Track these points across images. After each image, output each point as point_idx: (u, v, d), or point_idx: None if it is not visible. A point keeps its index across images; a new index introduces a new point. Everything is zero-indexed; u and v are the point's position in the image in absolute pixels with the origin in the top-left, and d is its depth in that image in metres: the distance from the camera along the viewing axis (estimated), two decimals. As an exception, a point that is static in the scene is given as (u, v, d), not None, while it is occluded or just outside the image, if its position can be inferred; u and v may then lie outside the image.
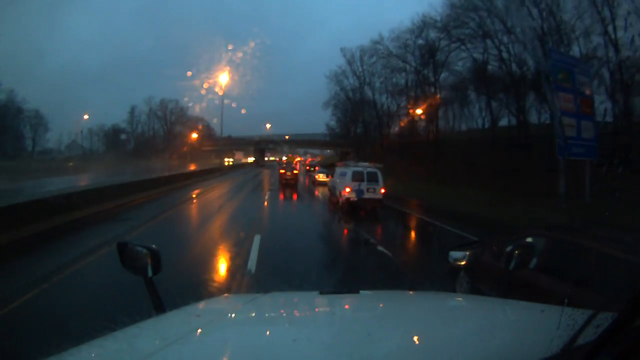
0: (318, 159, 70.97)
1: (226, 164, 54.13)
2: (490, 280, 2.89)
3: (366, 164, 13.91)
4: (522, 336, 1.07)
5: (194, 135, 59.67)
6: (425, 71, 34.51)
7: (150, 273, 1.41)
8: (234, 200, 16.34)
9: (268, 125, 62.36)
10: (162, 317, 1.30)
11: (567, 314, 0.91)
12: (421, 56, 34.00)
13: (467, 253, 1.79)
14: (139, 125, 64.77)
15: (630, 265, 2.21)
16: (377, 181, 12.64)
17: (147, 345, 0.99)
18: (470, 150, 24.11)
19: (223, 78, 33.31)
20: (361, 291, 1.63)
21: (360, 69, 44.30)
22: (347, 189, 12.42)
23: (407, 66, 37.07)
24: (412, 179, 23.19)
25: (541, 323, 1.07)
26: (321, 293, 1.54)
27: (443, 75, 33.22)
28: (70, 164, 43.04)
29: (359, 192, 12.36)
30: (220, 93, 48.09)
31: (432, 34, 31.98)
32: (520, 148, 20.14)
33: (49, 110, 53.64)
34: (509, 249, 1.57)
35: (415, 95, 36.96)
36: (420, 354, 0.98)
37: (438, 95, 33.73)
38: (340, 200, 13.01)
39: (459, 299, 1.62)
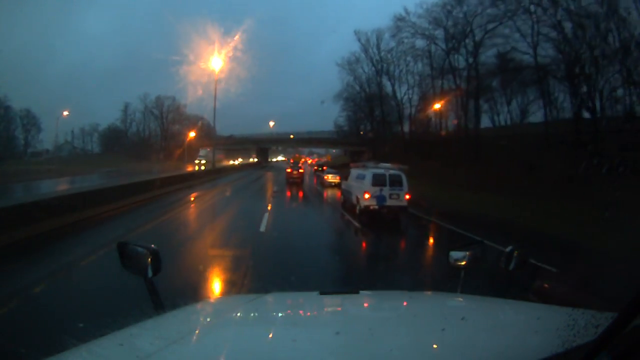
0: (326, 158, 68.29)
1: (197, 167, 41.48)
2: None
3: (388, 165, 12.27)
4: (522, 336, 1.07)
5: (192, 134, 55.39)
6: (456, 55, 29.33)
7: (150, 273, 1.41)
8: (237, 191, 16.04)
9: (271, 124, 57.40)
10: (162, 317, 1.30)
11: (567, 314, 0.91)
12: (452, 37, 28.67)
13: (467, 253, 1.78)
14: (134, 124, 61.29)
15: None
16: (401, 185, 10.89)
17: (147, 345, 0.99)
18: (523, 149, 19.30)
19: (216, 63, 29.35)
20: (361, 291, 1.63)
21: (377, 56, 38.73)
22: (366, 195, 10.70)
23: (435, 48, 31.74)
24: (442, 183, 19.36)
25: (541, 323, 1.07)
26: (321, 293, 1.54)
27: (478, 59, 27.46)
28: (51, 167, 36.74)
29: (380, 198, 10.68)
30: (219, 88, 45.14)
31: (467, 9, 26.80)
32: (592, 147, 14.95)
33: (42, 110, 51.66)
34: (508, 249, 1.58)
35: (443, 83, 31.59)
36: (420, 354, 0.98)
37: (470, 83, 28.14)
38: (358, 207, 11.25)
39: (459, 298, 1.63)
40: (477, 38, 26.64)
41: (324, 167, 32.46)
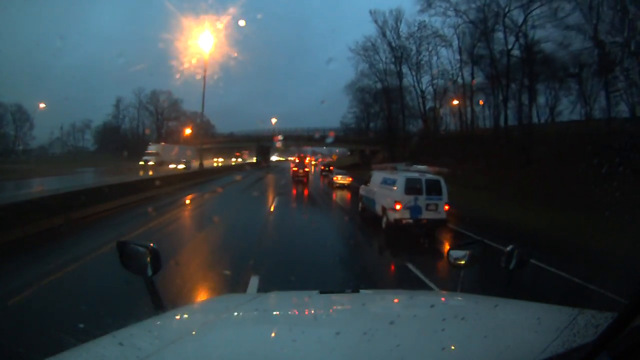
0: (331, 158, 65.06)
1: (142, 171, 30.65)
2: None
3: (423, 167, 10.65)
4: (522, 336, 1.07)
5: (188, 131, 51.75)
6: (491, 38, 24.97)
7: (150, 272, 1.41)
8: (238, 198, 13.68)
9: (274, 120, 52.90)
10: (162, 317, 1.30)
11: (567, 314, 0.91)
12: (486, 19, 24.35)
13: (467, 252, 1.78)
14: (127, 120, 57.09)
15: None
16: (440, 194, 8.91)
17: (147, 345, 0.99)
18: (579, 151, 12.25)
19: (206, 42, 26.46)
20: (361, 290, 1.63)
21: (396, 41, 34.06)
22: (397, 206, 8.68)
23: (466, 30, 27.34)
24: (479, 191, 15.73)
25: (541, 323, 1.07)
26: (321, 292, 1.54)
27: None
28: (25, 166, 32.76)
29: (414, 210, 8.68)
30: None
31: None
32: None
33: (34, 106, 47.24)
34: (509, 249, 1.58)
35: (474, 72, 27.18)
36: (421, 354, 0.98)
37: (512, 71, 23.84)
38: (384, 220, 9.30)
39: (459, 298, 1.63)
40: (518, 19, 22.72)
41: (331, 167, 31.57)
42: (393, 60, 35.64)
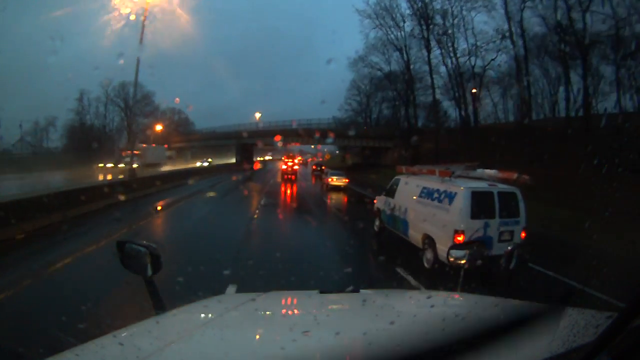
0: (325, 158, 61.89)
1: None
2: None
3: (492, 172, 6.68)
4: (522, 336, 1.07)
5: (159, 128, 45.35)
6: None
7: (149, 272, 1.41)
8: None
9: (258, 115, 45.17)
10: (162, 317, 1.30)
11: (567, 314, 0.91)
12: None
13: (467, 252, 1.78)
14: (89, 116, 49.83)
15: None
16: (516, 214, 5.92)
17: (147, 345, 0.99)
18: None
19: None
20: (361, 290, 1.63)
21: (420, 2, 26.32)
22: (459, 237, 5.58)
23: None
24: (561, 206, 11.21)
25: (541, 323, 1.07)
26: (321, 292, 1.54)
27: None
28: None
29: (484, 242, 5.57)
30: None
31: None
32: None
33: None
34: (508, 249, 1.58)
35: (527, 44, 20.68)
36: (420, 354, 0.98)
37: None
38: (432, 257, 6.16)
39: (459, 298, 1.63)
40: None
41: (323, 167, 30.55)
42: (417, 23, 26.64)
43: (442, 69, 28.36)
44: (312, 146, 55.75)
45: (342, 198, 17.50)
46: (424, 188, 6.78)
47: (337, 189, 19.70)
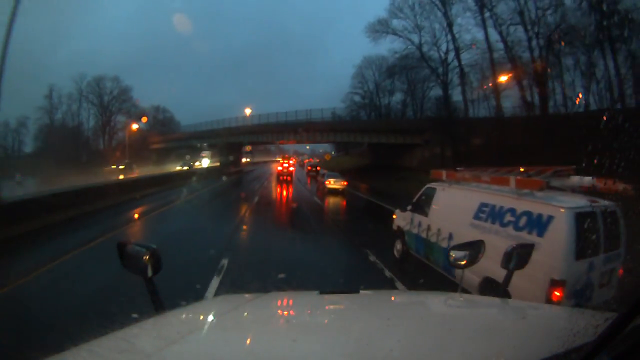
0: (326, 158, 58.31)
1: None
2: None
3: (588, 179, 4.01)
4: (521, 336, 1.07)
5: (135, 127, 40.57)
6: None
7: (150, 273, 1.41)
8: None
9: (248, 111, 38.19)
10: (162, 317, 1.30)
11: (567, 314, 0.91)
12: None
13: (467, 252, 1.78)
14: (61, 114, 44.60)
15: None
16: (618, 245, 3.81)
17: (147, 345, 0.99)
18: None
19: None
20: (361, 291, 1.63)
21: None
22: (558, 291, 3.35)
23: None
24: None
25: (541, 323, 1.07)
26: (321, 293, 1.54)
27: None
28: None
29: (585, 290, 3.53)
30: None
31: None
32: None
33: None
34: (508, 248, 1.58)
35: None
36: (420, 354, 0.98)
37: None
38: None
39: (460, 298, 1.63)
40: None
41: (318, 168, 29.74)
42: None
43: (495, 36, 20.78)
44: (307, 146, 51.77)
45: (341, 202, 16.43)
46: (484, 205, 4.54)
47: (335, 192, 18.83)
